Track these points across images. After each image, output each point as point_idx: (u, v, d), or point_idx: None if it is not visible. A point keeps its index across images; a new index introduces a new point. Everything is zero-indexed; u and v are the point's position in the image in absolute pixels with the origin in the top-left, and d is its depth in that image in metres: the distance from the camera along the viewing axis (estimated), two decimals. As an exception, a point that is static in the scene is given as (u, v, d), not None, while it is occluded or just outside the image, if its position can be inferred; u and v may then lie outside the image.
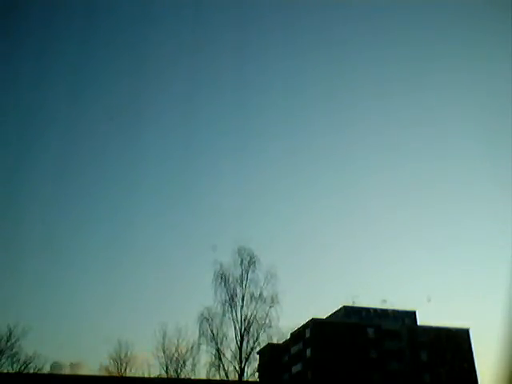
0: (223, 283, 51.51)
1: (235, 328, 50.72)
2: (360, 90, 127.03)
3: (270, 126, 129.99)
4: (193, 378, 58.41)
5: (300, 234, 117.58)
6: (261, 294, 51.13)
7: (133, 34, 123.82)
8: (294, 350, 72.21)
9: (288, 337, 69.19)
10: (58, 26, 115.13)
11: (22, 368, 57.06)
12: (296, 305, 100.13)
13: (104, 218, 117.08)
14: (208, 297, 53.24)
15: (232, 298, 51.25)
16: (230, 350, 50.53)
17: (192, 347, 57.80)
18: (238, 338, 50.42)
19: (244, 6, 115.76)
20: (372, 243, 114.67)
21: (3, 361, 56.21)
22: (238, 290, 51.61)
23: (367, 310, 73.73)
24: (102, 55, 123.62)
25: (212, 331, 50.37)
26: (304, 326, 70.52)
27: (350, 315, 72.59)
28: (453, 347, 68.24)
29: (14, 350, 56.49)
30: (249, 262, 52.17)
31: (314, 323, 69.63)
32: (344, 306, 72.86)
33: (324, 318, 73.22)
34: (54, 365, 68.02)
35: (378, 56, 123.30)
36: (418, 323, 74.78)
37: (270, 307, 50.57)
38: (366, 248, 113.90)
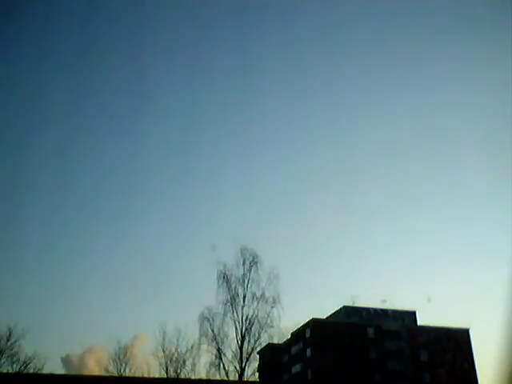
0: (225, 283, 51.41)
1: (236, 328, 50.54)
2: (359, 85, 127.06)
3: (271, 123, 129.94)
4: (193, 377, 58.30)
5: (300, 234, 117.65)
6: (263, 294, 50.89)
7: (131, 32, 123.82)
8: (294, 350, 72.20)
9: (288, 337, 69.12)
10: (56, 23, 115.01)
11: (22, 368, 56.73)
12: (296, 305, 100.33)
13: (103, 217, 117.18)
14: (208, 296, 53.16)
15: (234, 298, 51.08)
16: (230, 350, 50.41)
17: (192, 347, 57.63)
18: (239, 337, 50.25)
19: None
20: (372, 243, 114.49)
21: (3, 361, 55.87)
22: (240, 290, 51.38)
23: (367, 310, 73.68)
24: (100, 54, 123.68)
25: (213, 331, 50.20)
26: (304, 326, 70.51)
27: (350, 315, 72.55)
28: (453, 347, 68.11)
29: (13, 350, 56.16)
30: (251, 262, 51.93)
31: (314, 323, 69.62)
32: (344, 306, 72.78)
33: (324, 317, 73.25)
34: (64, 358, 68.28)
35: (378, 49, 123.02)
36: (418, 323, 74.70)
37: (272, 307, 50.44)
38: (366, 248, 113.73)
